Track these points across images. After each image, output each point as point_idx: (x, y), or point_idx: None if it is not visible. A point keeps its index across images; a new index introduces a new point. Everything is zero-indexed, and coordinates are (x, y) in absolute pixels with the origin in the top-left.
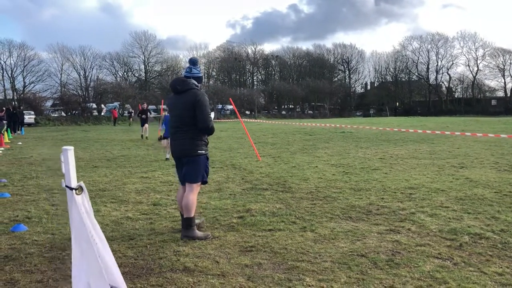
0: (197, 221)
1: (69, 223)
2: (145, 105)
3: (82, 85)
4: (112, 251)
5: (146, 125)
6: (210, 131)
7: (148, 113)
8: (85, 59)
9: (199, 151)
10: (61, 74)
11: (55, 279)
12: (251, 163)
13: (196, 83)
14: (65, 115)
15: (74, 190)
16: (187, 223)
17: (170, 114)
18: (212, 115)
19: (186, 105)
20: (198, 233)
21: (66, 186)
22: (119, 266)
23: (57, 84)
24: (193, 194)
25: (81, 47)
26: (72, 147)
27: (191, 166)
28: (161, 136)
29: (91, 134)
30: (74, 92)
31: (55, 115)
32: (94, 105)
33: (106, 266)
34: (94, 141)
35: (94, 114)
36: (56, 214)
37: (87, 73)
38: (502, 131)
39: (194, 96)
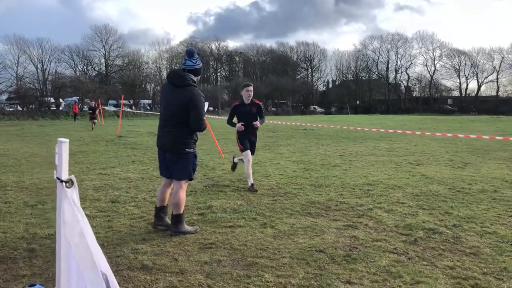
0: (192, 228)
1: (50, 218)
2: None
3: (40, 78)
4: None
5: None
6: (201, 131)
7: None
8: (43, 52)
9: (187, 149)
10: (17, 67)
11: (6, 279)
12: (214, 159)
13: (193, 77)
14: (21, 109)
15: (64, 183)
16: (177, 219)
17: (162, 104)
18: (206, 105)
19: (181, 103)
20: (188, 227)
21: (57, 178)
22: None
23: (13, 77)
24: (182, 191)
25: (38, 40)
26: (67, 140)
27: (179, 164)
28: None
29: (48, 129)
30: (31, 85)
31: (11, 109)
32: (52, 100)
33: (96, 255)
34: (51, 136)
35: (52, 108)
36: (8, 212)
37: (44, 66)
38: (457, 130)
39: (190, 96)
